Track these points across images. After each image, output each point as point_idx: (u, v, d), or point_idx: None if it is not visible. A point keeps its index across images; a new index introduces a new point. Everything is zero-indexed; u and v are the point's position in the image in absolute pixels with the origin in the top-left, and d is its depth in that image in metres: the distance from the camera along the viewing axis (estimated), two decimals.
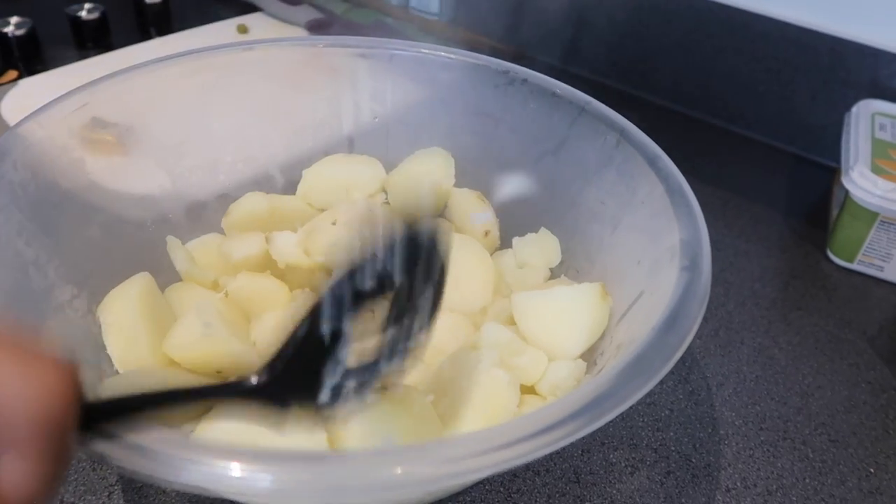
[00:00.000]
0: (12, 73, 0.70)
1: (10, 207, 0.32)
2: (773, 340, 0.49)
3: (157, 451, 0.21)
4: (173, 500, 0.36)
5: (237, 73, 0.45)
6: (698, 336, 0.48)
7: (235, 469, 0.21)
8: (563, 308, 0.35)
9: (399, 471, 0.21)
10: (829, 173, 0.65)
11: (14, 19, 0.73)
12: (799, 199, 0.63)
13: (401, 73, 0.47)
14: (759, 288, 0.53)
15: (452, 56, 0.46)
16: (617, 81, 0.76)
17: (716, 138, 0.71)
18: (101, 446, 0.21)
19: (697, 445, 0.41)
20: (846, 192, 0.52)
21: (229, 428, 0.29)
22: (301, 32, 0.79)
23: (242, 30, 0.79)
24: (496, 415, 0.31)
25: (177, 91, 0.44)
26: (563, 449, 0.40)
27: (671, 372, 0.46)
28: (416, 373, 0.35)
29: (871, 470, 0.41)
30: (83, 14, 0.77)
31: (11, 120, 0.60)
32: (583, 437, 0.40)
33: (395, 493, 0.21)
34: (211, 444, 0.22)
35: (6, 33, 0.72)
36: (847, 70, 0.62)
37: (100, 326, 0.35)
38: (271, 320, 0.38)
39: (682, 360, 0.47)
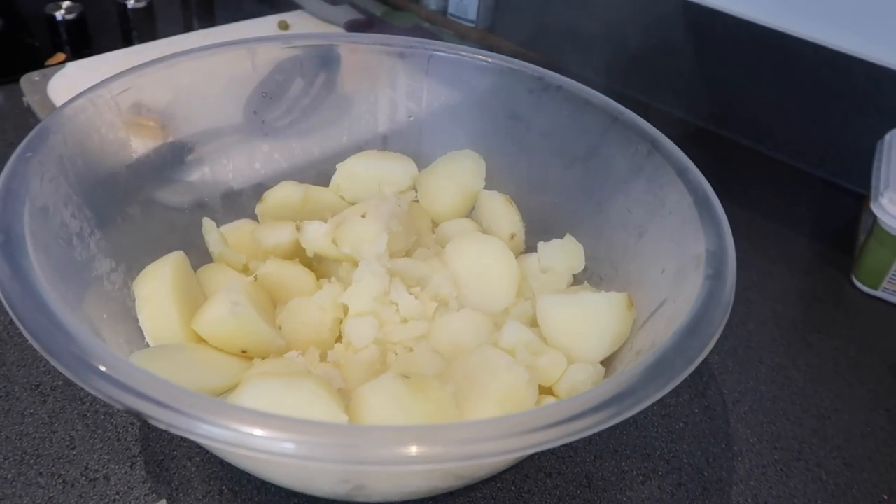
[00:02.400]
0: (60, 56, 0.72)
1: (58, 179, 0.33)
2: (791, 361, 0.49)
3: (187, 410, 0.22)
4: (192, 473, 0.37)
5: (277, 66, 0.47)
6: (717, 352, 0.49)
7: (259, 432, 0.22)
8: (588, 314, 0.36)
9: (417, 448, 0.22)
10: (857, 199, 0.64)
11: (65, 4, 0.76)
12: (825, 223, 0.63)
13: (438, 74, 0.48)
14: (781, 308, 0.53)
15: (489, 60, 0.46)
16: (646, 96, 0.76)
17: (743, 158, 0.71)
18: (138, 404, 0.22)
19: (710, 459, 0.41)
20: (874, 218, 0.52)
21: (253, 404, 0.29)
22: (340, 32, 0.81)
23: (283, 26, 0.80)
24: (514, 410, 0.31)
25: (218, 80, 0.45)
26: (576, 453, 0.40)
27: (687, 385, 0.46)
28: (438, 367, 0.35)
29: (885, 496, 0.40)
30: (131, 2, 0.79)
31: (58, 99, 0.62)
32: (596, 443, 0.41)
33: (411, 468, 0.22)
34: (239, 408, 0.23)
35: (56, 17, 0.75)
36: (882, 96, 0.62)
37: (134, 300, 0.36)
38: (297, 306, 0.39)
39: (699, 374, 0.47)
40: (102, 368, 0.23)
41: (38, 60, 0.71)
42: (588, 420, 0.24)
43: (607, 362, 0.37)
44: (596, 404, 0.24)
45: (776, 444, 0.43)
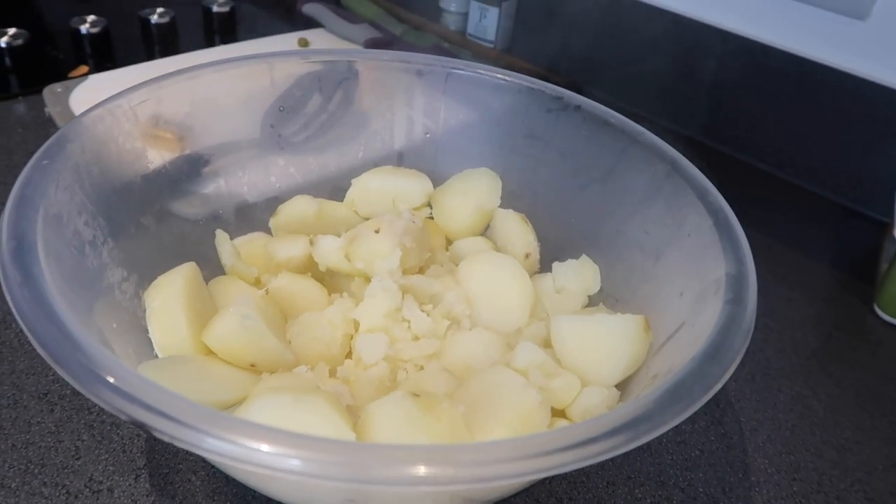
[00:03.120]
0: (83, 69, 0.73)
1: (73, 187, 0.33)
2: (811, 390, 0.47)
3: (194, 424, 0.21)
4: (197, 488, 0.36)
5: (295, 81, 0.47)
6: (734, 378, 0.48)
7: (265, 448, 0.21)
8: (603, 336, 0.35)
9: (425, 469, 0.21)
10: (878, 227, 0.63)
11: (90, 18, 0.77)
12: (846, 251, 0.62)
13: (455, 91, 0.48)
14: (801, 336, 0.52)
15: (507, 79, 0.46)
16: (666, 120, 0.76)
17: (764, 183, 0.70)
18: (144, 416, 0.22)
19: (727, 489, 0.40)
20: None
21: (261, 419, 0.29)
22: (360, 49, 0.81)
23: (303, 43, 0.81)
24: (526, 433, 0.31)
25: (236, 94, 0.45)
26: (589, 478, 0.39)
27: (704, 412, 0.45)
28: (449, 386, 0.35)
29: None
30: (154, 18, 0.80)
31: (78, 111, 0.62)
32: (609, 469, 0.40)
33: (419, 489, 0.21)
34: (246, 422, 0.22)
35: (81, 30, 0.76)
36: None
37: (144, 310, 0.36)
38: (307, 321, 0.39)
39: (716, 401, 0.46)
40: (108, 378, 0.23)
41: (61, 72, 0.71)
42: (603, 444, 0.23)
43: (622, 386, 0.36)
44: (611, 428, 0.23)
45: (795, 476, 0.41)
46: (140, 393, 0.23)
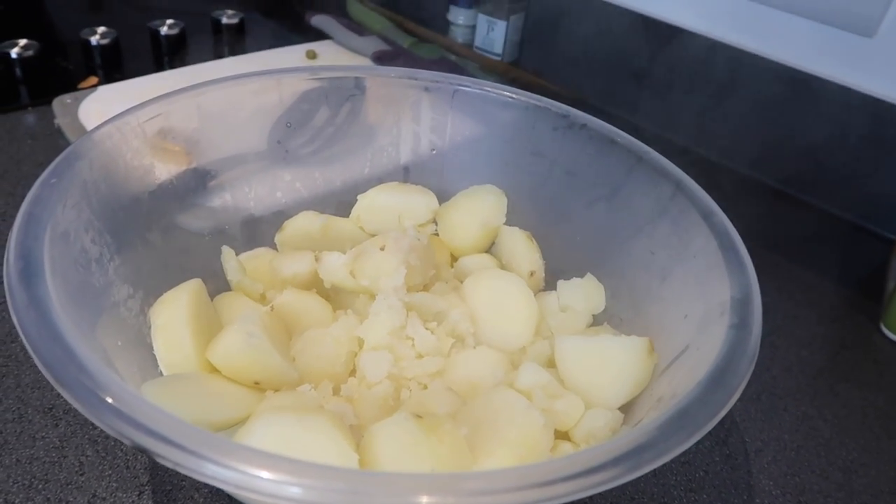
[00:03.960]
0: (93, 80, 0.73)
1: (81, 204, 0.33)
2: (817, 411, 0.47)
3: (198, 450, 0.21)
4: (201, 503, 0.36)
5: (302, 96, 0.47)
6: (740, 399, 0.47)
7: (266, 475, 0.21)
8: (607, 358, 0.35)
9: (427, 498, 0.21)
10: (886, 244, 0.63)
11: (101, 29, 0.78)
12: (854, 268, 0.61)
13: (462, 108, 0.48)
14: (807, 355, 0.51)
15: (514, 96, 0.46)
16: (671, 134, 0.75)
17: (772, 200, 0.70)
18: (145, 440, 0.22)
19: None
20: None
21: (263, 440, 0.29)
22: (367, 62, 0.82)
23: (311, 55, 0.81)
24: (528, 456, 0.30)
25: (244, 109, 0.45)
26: (592, 500, 0.39)
27: (709, 433, 0.45)
28: (452, 406, 0.35)
29: None
30: (164, 29, 0.81)
31: (88, 121, 0.63)
32: (612, 491, 0.39)
33: None
34: (247, 449, 0.22)
35: (91, 42, 0.76)
36: None
37: (150, 327, 0.36)
38: (311, 338, 0.39)
39: (721, 421, 0.45)
40: (111, 402, 0.23)
41: (71, 83, 0.72)
42: (606, 474, 0.23)
43: (626, 408, 0.36)
44: (615, 457, 0.23)
45: (800, 498, 0.41)
46: (142, 417, 0.23)
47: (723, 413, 0.26)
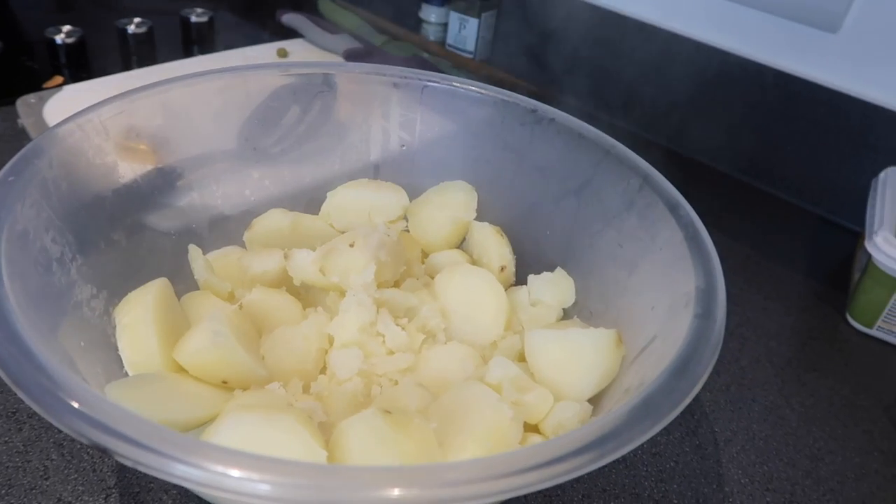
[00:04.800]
0: (58, 79, 0.72)
1: (41, 203, 0.33)
2: (785, 400, 0.48)
3: (161, 449, 0.21)
4: None
5: (271, 93, 0.46)
6: (709, 390, 0.48)
7: (235, 473, 0.21)
8: (576, 350, 0.35)
9: (396, 491, 0.21)
10: (852, 236, 0.64)
11: (66, 28, 0.76)
12: (821, 260, 0.62)
13: (431, 104, 0.48)
14: (775, 346, 0.52)
15: (483, 91, 0.46)
16: (641, 130, 0.76)
17: (741, 194, 0.71)
18: (105, 440, 0.21)
19: (701, 500, 0.40)
20: (869, 256, 0.51)
21: (230, 439, 0.29)
22: (339, 60, 0.81)
23: (282, 54, 0.81)
24: (497, 449, 0.30)
25: (211, 106, 0.45)
26: (564, 492, 0.39)
27: (678, 424, 0.45)
28: (422, 401, 0.35)
29: None
30: (131, 28, 0.80)
31: (52, 121, 0.62)
32: (584, 482, 0.40)
33: None
34: (215, 447, 0.22)
35: (56, 40, 0.75)
36: (877, 136, 0.62)
37: (115, 327, 0.36)
38: (281, 336, 0.39)
39: (691, 412, 0.46)
40: (69, 401, 0.22)
41: (36, 83, 0.71)
42: (571, 463, 0.23)
43: (595, 400, 0.36)
44: (580, 446, 0.23)
45: (768, 486, 0.42)
46: (102, 416, 0.22)
47: (686, 402, 0.26)
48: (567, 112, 0.45)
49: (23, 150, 0.34)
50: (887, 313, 0.52)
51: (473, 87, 0.46)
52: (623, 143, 0.42)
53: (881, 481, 0.43)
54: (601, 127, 0.44)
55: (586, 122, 0.44)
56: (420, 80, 0.47)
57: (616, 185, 0.41)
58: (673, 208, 0.37)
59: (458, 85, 0.47)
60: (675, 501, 0.40)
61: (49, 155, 0.35)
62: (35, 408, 0.23)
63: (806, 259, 0.62)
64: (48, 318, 0.30)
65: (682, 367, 0.27)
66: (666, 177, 0.40)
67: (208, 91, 0.44)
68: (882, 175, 0.58)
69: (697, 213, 0.37)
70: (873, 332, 0.53)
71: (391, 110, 0.48)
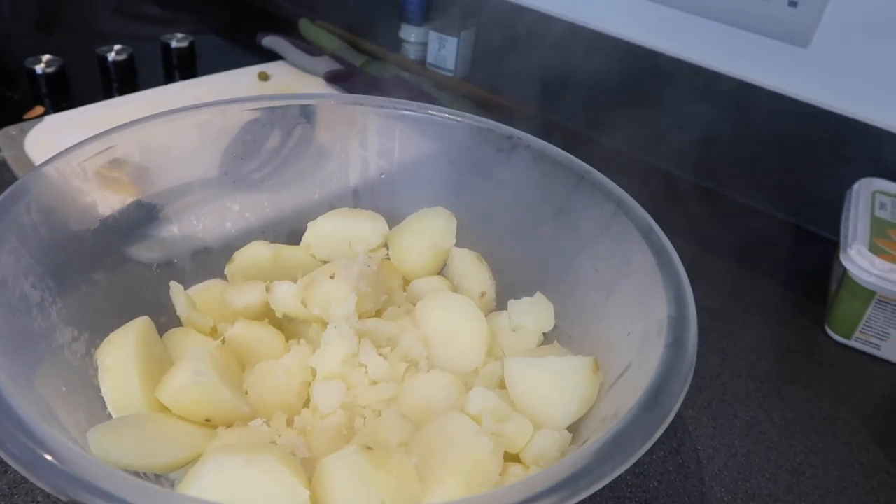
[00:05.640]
0: (39, 109, 0.72)
1: (20, 250, 0.33)
2: (766, 415, 0.48)
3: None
4: None
5: (249, 126, 0.47)
6: (691, 406, 0.48)
7: None
8: (554, 379, 0.36)
9: None
10: (830, 246, 0.65)
11: (45, 57, 0.76)
12: (799, 271, 0.63)
13: (408, 132, 0.48)
14: (755, 360, 0.53)
15: (458, 119, 0.47)
16: (622, 145, 0.77)
17: (719, 206, 0.71)
18: (87, 498, 0.22)
19: None
20: (845, 269, 0.52)
21: (212, 483, 0.29)
22: (320, 82, 0.82)
23: (263, 77, 0.81)
24: (478, 482, 0.31)
25: (190, 141, 0.45)
26: None
27: (661, 442, 0.46)
28: (404, 433, 0.35)
29: None
30: (112, 55, 0.80)
31: (34, 153, 0.62)
32: None
33: None
34: (194, 500, 0.22)
35: (36, 71, 0.75)
36: (850, 147, 0.63)
37: (97, 369, 0.36)
38: (264, 370, 0.39)
39: (674, 430, 0.47)
40: (46, 457, 0.23)
41: (16, 114, 0.71)
42: (545, 502, 0.24)
43: (574, 427, 0.36)
44: (552, 485, 0.24)
45: (751, 503, 0.42)
46: (80, 471, 0.23)
47: (657, 435, 0.26)
48: (548, 126, 0.45)
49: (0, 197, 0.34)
50: (864, 324, 0.53)
51: (449, 115, 0.47)
52: (604, 160, 0.43)
53: (861, 494, 0.44)
54: (580, 143, 0.44)
55: (567, 137, 0.45)
56: (396, 108, 0.48)
57: (591, 210, 0.42)
58: (645, 233, 0.38)
59: (435, 113, 0.47)
60: None
61: (27, 200, 0.35)
62: (12, 464, 0.23)
63: (784, 270, 0.63)
64: (27, 365, 0.30)
65: (652, 400, 0.27)
66: (644, 190, 0.40)
67: (186, 126, 0.45)
68: (856, 186, 0.59)
69: (675, 225, 0.37)
70: (851, 342, 0.54)
71: (368, 139, 0.49)
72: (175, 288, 0.42)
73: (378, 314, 0.43)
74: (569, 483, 0.24)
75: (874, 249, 0.51)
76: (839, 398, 0.50)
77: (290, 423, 0.37)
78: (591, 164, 0.43)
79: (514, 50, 0.82)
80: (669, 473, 0.43)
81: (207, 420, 0.36)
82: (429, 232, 0.47)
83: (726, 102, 0.69)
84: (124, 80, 0.81)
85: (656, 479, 0.43)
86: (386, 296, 0.43)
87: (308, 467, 0.33)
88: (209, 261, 0.47)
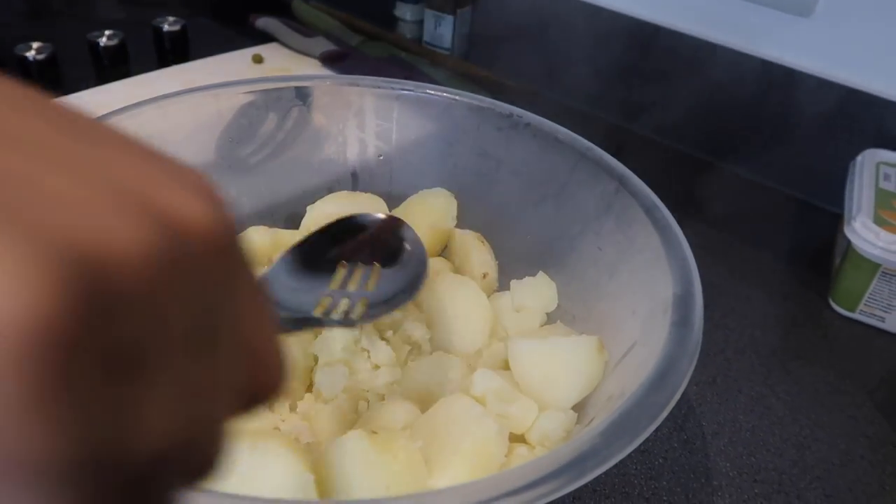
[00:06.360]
0: None
1: None
2: (771, 390, 0.48)
3: None
4: None
5: (244, 109, 0.46)
6: (695, 382, 0.48)
7: None
8: (558, 359, 0.35)
9: None
10: (834, 219, 0.64)
11: (35, 44, 0.75)
12: (803, 244, 0.63)
13: (406, 112, 0.48)
14: (760, 335, 0.53)
15: (457, 98, 0.46)
16: (622, 121, 0.76)
17: (722, 180, 0.71)
18: None
19: (690, 496, 0.41)
20: (849, 241, 0.52)
21: None
22: (315, 63, 0.81)
23: (257, 59, 0.80)
24: (483, 464, 0.31)
25: (186, 124, 0.45)
26: None
27: (666, 420, 0.45)
28: (409, 417, 0.35)
29: None
30: (103, 40, 0.79)
31: None
32: None
33: None
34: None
35: (27, 57, 0.74)
36: (854, 118, 0.63)
37: None
38: None
39: (679, 407, 0.46)
40: None
41: None
42: (552, 485, 0.23)
43: (579, 407, 0.36)
44: (559, 467, 0.24)
45: (756, 477, 0.42)
46: None
47: (664, 415, 0.26)
48: (548, 105, 0.45)
49: None
50: (868, 297, 0.52)
51: (447, 94, 0.46)
52: (603, 135, 0.42)
53: (867, 466, 0.44)
54: (581, 121, 0.44)
55: (567, 115, 0.44)
56: (393, 88, 0.47)
57: (593, 188, 0.41)
58: (649, 210, 0.37)
59: (433, 92, 0.47)
60: (665, 498, 0.40)
61: None
62: None
63: (788, 244, 0.63)
64: None
65: (659, 380, 0.27)
66: (646, 166, 0.40)
67: (179, 111, 0.44)
68: (859, 158, 0.59)
69: (678, 200, 0.37)
70: (856, 315, 0.54)
71: (366, 120, 0.48)
72: None
73: None
74: (576, 464, 0.24)
75: (878, 221, 0.51)
76: (844, 372, 0.50)
77: (293, 408, 0.37)
78: (592, 142, 0.42)
79: (513, 27, 0.80)
80: (675, 450, 0.43)
81: None
82: (429, 213, 0.46)
83: (725, 72, 0.68)
84: (116, 66, 0.79)
85: (661, 456, 0.43)
86: None
87: (312, 452, 0.33)
88: None
